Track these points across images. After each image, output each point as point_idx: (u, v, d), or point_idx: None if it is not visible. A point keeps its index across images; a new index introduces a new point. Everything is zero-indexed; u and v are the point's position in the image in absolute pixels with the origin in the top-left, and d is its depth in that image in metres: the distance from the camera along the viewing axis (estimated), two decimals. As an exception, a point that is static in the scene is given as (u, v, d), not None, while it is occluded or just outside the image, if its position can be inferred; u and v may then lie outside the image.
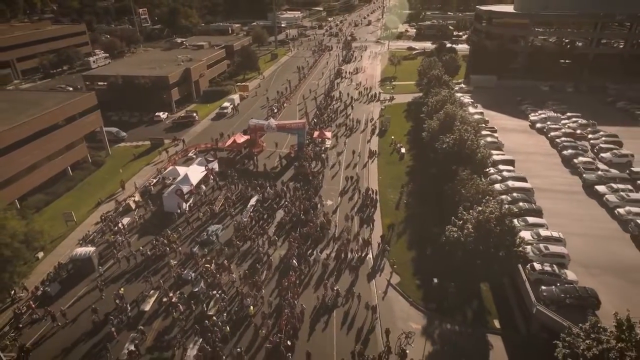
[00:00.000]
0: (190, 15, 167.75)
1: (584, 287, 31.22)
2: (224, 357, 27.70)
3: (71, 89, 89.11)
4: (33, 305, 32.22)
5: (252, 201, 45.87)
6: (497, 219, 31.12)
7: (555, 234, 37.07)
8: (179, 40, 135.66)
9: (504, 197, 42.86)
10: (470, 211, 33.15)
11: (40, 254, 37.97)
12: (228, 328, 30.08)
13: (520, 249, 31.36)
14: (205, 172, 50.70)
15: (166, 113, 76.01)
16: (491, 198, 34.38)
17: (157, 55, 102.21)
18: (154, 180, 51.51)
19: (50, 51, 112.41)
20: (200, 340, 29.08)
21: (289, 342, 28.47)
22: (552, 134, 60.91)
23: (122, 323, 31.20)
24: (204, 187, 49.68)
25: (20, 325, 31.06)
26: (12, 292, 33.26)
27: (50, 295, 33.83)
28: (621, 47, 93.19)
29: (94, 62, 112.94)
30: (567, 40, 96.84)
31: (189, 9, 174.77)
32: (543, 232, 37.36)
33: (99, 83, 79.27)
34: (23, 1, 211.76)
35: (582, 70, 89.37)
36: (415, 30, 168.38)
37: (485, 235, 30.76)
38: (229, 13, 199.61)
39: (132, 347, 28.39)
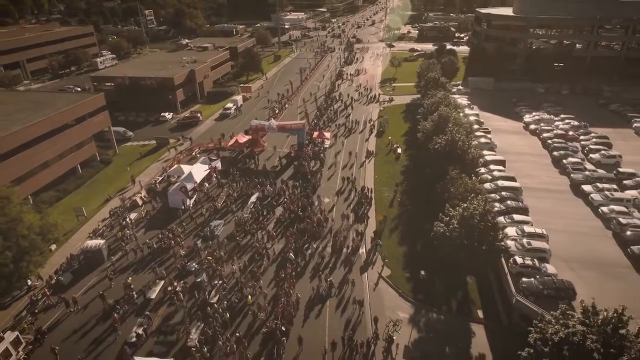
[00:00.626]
0: (196, 17, 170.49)
1: (561, 279, 33.27)
2: (220, 342, 29.90)
3: (79, 89, 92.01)
4: (47, 293, 34.78)
5: (253, 198, 48.16)
6: (481, 215, 33.23)
7: (538, 231, 39.09)
8: (184, 41, 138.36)
9: (493, 195, 44.92)
10: (457, 208, 35.29)
11: (53, 246, 40.44)
12: (228, 315, 32.40)
13: (502, 243, 33.57)
14: (209, 170, 53.05)
15: (171, 113, 78.53)
16: (475, 195, 36.37)
17: (162, 57, 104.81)
18: (160, 178, 53.93)
19: (58, 52, 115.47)
20: (202, 325, 31.40)
21: (283, 328, 30.71)
22: (545, 135, 62.76)
23: (127, 312, 33.51)
24: (207, 184, 52.04)
25: (36, 311, 33.57)
26: (29, 280, 35.72)
27: (63, 284, 36.33)
28: (618, 50, 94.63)
29: (101, 62, 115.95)
30: (567, 42, 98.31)
31: (194, 10, 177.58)
32: (527, 229, 39.37)
33: (107, 84, 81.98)
34: (31, 1, 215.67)
35: (578, 72, 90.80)
36: (417, 31, 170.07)
37: (469, 230, 32.88)
38: (233, 14, 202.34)
39: (139, 331, 30.76)
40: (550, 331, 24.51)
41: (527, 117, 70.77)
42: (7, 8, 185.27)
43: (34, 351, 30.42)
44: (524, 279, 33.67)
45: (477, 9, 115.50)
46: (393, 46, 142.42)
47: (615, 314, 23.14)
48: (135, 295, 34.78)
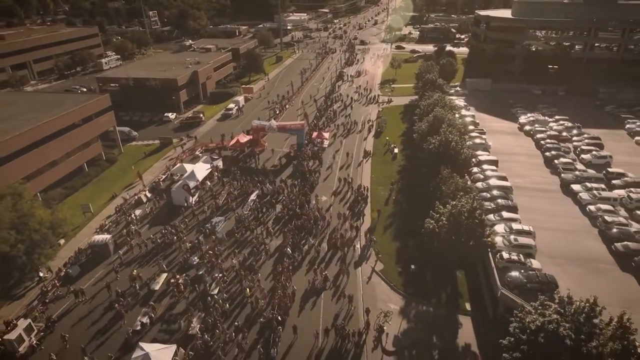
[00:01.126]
0: (199, 18, 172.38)
1: (544, 273, 34.84)
2: (218, 331, 31.68)
3: (85, 89, 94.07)
4: (57, 284, 36.76)
5: (253, 196, 49.96)
6: (469, 212, 34.90)
7: (526, 228, 40.61)
8: (187, 42, 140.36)
9: (484, 194, 46.55)
10: (447, 205, 36.95)
11: (62, 241, 42.34)
12: (227, 305, 34.24)
13: (489, 239, 35.25)
14: (210, 169, 54.94)
15: (174, 114, 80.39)
16: (464, 194, 38.03)
17: (166, 58, 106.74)
18: (163, 176, 55.85)
19: (64, 53, 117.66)
20: (203, 315, 33.24)
21: (279, 318, 32.50)
22: (538, 136, 64.20)
23: (130, 305, 35.23)
24: (208, 182, 53.83)
25: (47, 301, 35.51)
26: (40, 272, 37.67)
27: (72, 276, 38.28)
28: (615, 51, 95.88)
29: (105, 63, 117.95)
30: (566, 44, 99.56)
31: (198, 11, 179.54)
32: (515, 226, 40.91)
33: (111, 85, 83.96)
34: (36, 1, 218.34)
35: (576, 74, 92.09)
36: (418, 32, 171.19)
37: (457, 227, 34.55)
38: (236, 15, 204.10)
39: (144, 320, 32.65)
40: (528, 320, 26.15)
41: (522, 118, 72.22)
42: (13, 8, 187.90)
43: (45, 337, 32.40)
44: (510, 273, 35.26)
45: (476, 11, 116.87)
46: (403, 47, 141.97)
47: (587, 304, 24.78)
48: (138, 287, 36.68)
